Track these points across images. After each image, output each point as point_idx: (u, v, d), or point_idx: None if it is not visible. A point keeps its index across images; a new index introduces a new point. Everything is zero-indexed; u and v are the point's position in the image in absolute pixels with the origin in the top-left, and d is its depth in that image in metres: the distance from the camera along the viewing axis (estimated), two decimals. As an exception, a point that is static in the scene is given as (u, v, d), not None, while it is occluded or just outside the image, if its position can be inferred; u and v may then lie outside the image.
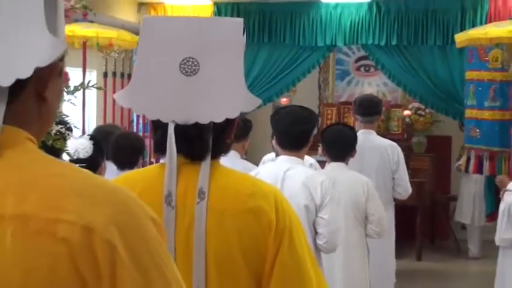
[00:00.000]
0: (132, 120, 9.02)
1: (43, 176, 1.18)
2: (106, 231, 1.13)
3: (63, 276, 1.11)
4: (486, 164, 7.56)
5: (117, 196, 1.20)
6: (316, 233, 3.82)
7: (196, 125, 2.03)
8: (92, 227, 1.13)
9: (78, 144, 3.72)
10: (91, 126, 7.69)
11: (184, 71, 2.05)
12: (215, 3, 9.62)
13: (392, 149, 5.87)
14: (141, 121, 9.04)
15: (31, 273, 1.11)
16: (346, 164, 4.86)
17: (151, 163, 6.23)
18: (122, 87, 8.24)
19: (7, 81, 1.16)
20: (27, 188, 1.15)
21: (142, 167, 4.61)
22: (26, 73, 1.17)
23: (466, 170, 8.09)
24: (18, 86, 1.19)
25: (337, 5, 9.45)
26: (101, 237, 1.13)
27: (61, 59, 1.28)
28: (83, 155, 3.71)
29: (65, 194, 1.16)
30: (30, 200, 1.14)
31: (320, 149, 5.13)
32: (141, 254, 1.16)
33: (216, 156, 2.11)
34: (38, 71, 1.18)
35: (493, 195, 7.90)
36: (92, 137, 4.00)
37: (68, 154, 3.39)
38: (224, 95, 2.06)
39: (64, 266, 1.11)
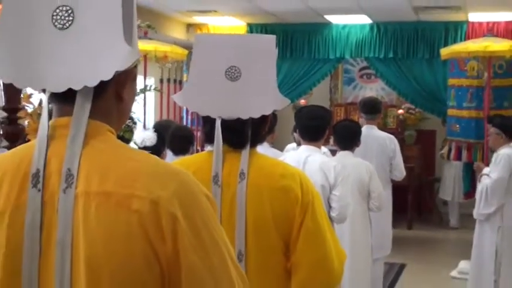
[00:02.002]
0: (182, 117, 9.07)
1: (120, 160, 1.18)
2: (169, 204, 1.14)
3: (136, 238, 1.12)
4: (464, 153, 7.53)
5: (179, 176, 1.20)
6: (330, 207, 3.81)
7: (238, 120, 2.04)
8: (158, 201, 1.13)
9: (145, 136, 3.74)
10: (150, 121, 7.72)
11: (229, 77, 2.05)
12: (248, 25, 9.64)
13: (391, 141, 5.84)
14: (189, 117, 9.08)
15: (111, 235, 1.12)
16: (353, 152, 4.85)
17: (197, 151, 6.26)
18: (174, 90, 8.30)
19: (93, 82, 1.16)
20: (108, 170, 1.15)
21: (192, 154, 4.63)
22: (107, 76, 1.16)
23: (448, 158, 8.07)
24: (101, 87, 1.18)
25: (345, 25, 9.47)
26: (165, 209, 1.13)
27: (135, 66, 1.27)
28: (149, 143, 3.73)
29: (137, 174, 1.16)
30: (110, 179, 1.14)
31: (331, 140, 5.11)
32: (196, 223, 1.16)
33: (253, 145, 2.12)
34: (118, 75, 1.17)
35: (469, 177, 7.88)
36: (156, 130, 4.03)
37: (135, 143, 3.41)
38: (260, 96, 2.07)
39: (136, 230, 1.12)
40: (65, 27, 1.17)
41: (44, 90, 1.22)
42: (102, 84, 1.17)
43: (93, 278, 1.10)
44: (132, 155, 1.21)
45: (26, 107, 2.69)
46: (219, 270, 1.17)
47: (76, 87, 1.16)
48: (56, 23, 1.17)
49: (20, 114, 2.67)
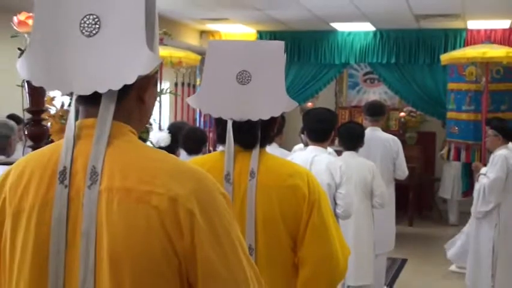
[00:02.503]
0: (196, 118, 9.07)
1: (141, 159, 1.19)
2: (187, 202, 1.14)
3: (155, 232, 1.13)
4: (463, 154, 7.50)
5: (196, 175, 1.20)
6: (336, 204, 3.80)
7: (249, 121, 2.04)
8: (177, 198, 1.14)
9: (160, 136, 3.75)
10: (165, 122, 7.74)
11: (239, 81, 2.05)
12: (258, 32, 9.65)
13: (394, 142, 5.81)
14: (202, 119, 9.09)
15: (132, 228, 1.13)
16: (357, 152, 4.85)
17: (209, 151, 6.26)
18: (188, 94, 8.31)
19: (117, 86, 1.17)
20: (129, 168, 1.16)
21: (204, 154, 4.63)
22: (131, 80, 1.17)
23: (447, 158, 8.03)
24: (125, 91, 1.19)
25: (350, 33, 9.47)
26: (183, 205, 1.14)
27: (156, 72, 1.27)
28: (164, 144, 3.74)
29: (157, 173, 1.16)
30: (131, 176, 1.15)
31: (337, 141, 5.10)
32: (213, 220, 1.17)
33: (263, 145, 2.12)
34: (140, 80, 1.18)
35: (468, 177, 7.86)
36: (170, 131, 4.03)
37: (151, 143, 3.42)
38: (270, 99, 2.06)
39: (155, 225, 1.13)
40: (91, 34, 1.18)
41: (71, 94, 1.23)
42: (126, 88, 1.18)
43: (115, 268, 1.11)
44: (152, 155, 1.22)
45: (49, 109, 2.70)
46: (234, 264, 1.17)
47: (101, 91, 1.17)
48: (84, 31, 1.18)
49: (44, 116, 2.68)
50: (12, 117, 4.90)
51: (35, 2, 1.22)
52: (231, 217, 1.21)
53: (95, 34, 1.18)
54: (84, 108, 1.23)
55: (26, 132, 2.76)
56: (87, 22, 1.18)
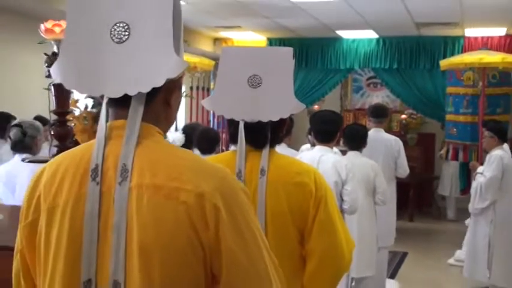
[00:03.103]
0: (209, 120, 9.09)
1: (169, 158, 1.19)
2: (213, 197, 1.15)
3: (182, 225, 1.13)
4: (461, 154, 7.47)
5: (220, 173, 1.21)
6: (342, 200, 3.80)
7: (259, 122, 2.03)
8: (203, 194, 1.14)
9: (175, 137, 3.76)
10: (181, 123, 7.75)
11: (251, 84, 2.04)
12: (268, 39, 9.67)
13: (396, 142, 5.79)
14: (215, 120, 9.10)
15: (161, 222, 1.13)
16: (361, 152, 4.83)
17: (222, 150, 6.26)
18: (203, 97, 8.33)
19: (146, 89, 1.17)
20: (158, 166, 1.16)
21: (217, 153, 4.63)
22: (159, 83, 1.17)
23: (446, 158, 8.01)
24: (153, 94, 1.19)
25: (354, 40, 9.47)
26: (209, 201, 1.14)
27: (181, 76, 1.27)
28: (178, 143, 3.74)
29: (184, 170, 1.17)
30: (160, 174, 1.15)
31: (342, 142, 5.09)
32: (236, 214, 1.17)
33: (273, 145, 2.11)
34: (167, 83, 1.18)
35: (465, 176, 7.82)
36: (184, 131, 4.03)
37: (167, 143, 3.43)
38: (279, 102, 2.05)
39: (183, 219, 1.13)
40: (122, 40, 1.18)
41: (97, 97, 1.24)
42: (153, 91, 1.18)
43: (144, 259, 1.12)
44: (179, 154, 1.22)
45: (74, 111, 2.72)
46: (255, 255, 1.18)
47: (131, 93, 1.17)
48: (114, 38, 1.19)
49: (68, 117, 2.70)
50: (39, 118, 4.92)
51: (67, 11, 1.22)
52: (252, 211, 1.22)
53: (125, 41, 1.18)
54: (114, 111, 1.23)
55: (52, 133, 2.77)
56: (118, 29, 1.19)
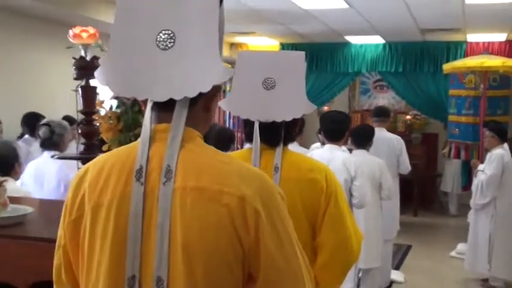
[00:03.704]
0: (225, 120, 9.09)
1: (211, 161, 1.17)
2: (254, 201, 1.13)
3: (224, 226, 1.12)
4: (462, 152, 7.41)
5: (259, 177, 1.19)
6: (351, 195, 3.78)
7: (273, 122, 2.02)
8: (245, 197, 1.13)
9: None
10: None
11: (265, 87, 2.03)
12: (281, 44, 9.66)
13: (398, 140, 5.81)
14: (231, 120, 9.10)
15: (204, 223, 1.11)
16: (367, 150, 4.82)
17: (237, 148, 6.26)
18: (219, 98, 8.32)
19: (192, 94, 1.15)
20: (201, 169, 1.15)
21: (232, 151, 4.62)
22: (206, 88, 1.15)
23: (448, 156, 7.94)
24: (195, 99, 1.17)
25: (362, 45, 9.45)
26: (250, 204, 1.13)
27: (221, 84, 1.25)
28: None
29: (227, 174, 1.15)
30: (204, 177, 1.13)
31: (349, 141, 5.08)
32: (274, 217, 1.15)
33: (286, 143, 2.10)
34: (209, 89, 1.17)
35: (467, 173, 7.77)
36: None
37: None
38: (292, 103, 2.04)
39: (225, 220, 1.12)
40: (167, 48, 1.17)
41: (145, 101, 1.22)
42: (196, 97, 1.16)
43: (187, 257, 1.10)
44: (220, 157, 1.19)
45: (100, 111, 2.72)
46: (291, 256, 1.16)
47: (177, 98, 1.15)
48: (159, 45, 1.17)
49: (95, 116, 2.70)
50: (67, 118, 4.95)
51: (114, 19, 1.21)
52: (287, 214, 1.20)
53: (170, 48, 1.17)
54: (157, 115, 1.20)
55: (80, 131, 2.78)
56: (163, 37, 1.17)
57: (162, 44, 1.17)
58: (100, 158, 1.26)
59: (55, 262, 1.28)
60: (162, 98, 1.16)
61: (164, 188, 1.12)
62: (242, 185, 1.13)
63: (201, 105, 1.22)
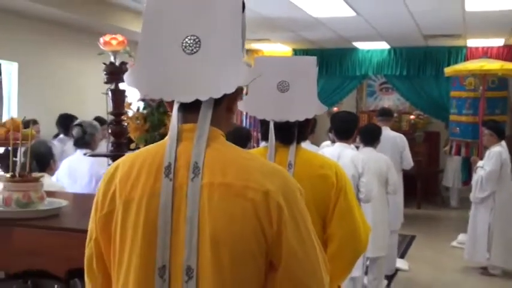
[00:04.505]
0: (242, 120, 9.08)
1: (236, 159, 1.16)
2: (277, 196, 1.12)
3: (249, 220, 1.11)
4: (463, 150, 7.38)
5: (281, 173, 1.18)
6: (358, 190, 3.75)
7: (287, 122, 2.01)
8: (268, 193, 1.11)
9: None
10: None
11: (280, 89, 2.02)
12: (293, 50, 9.64)
13: (400, 138, 5.82)
14: (248, 120, 9.09)
15: (231, 216, 1.10)
16: (375, 148, 4.79)
17: (253, 147, 6.26)
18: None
19: (218, 95, 1.14)
20: (227, 166, 1.14)
21: (249, 149, 4.62)
22: (230, 90, 1.14)
23: (450, 153, 7.92)
24: (219, 100, 1.16)
25: (368, 50, 9.41)
26: (274, 199, 1.12)
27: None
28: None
29: (251, 170, 1.14)
30: (229, 174, 1.12)
31: (358, 139, 5.04)
32: (295, 212, 1.14)
33: (299, 142, 2.09)
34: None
35: (467, 169, 7.74)
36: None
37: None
38: (304, 104, 2.03)
39: (250, 214, 1.11)
40: (193, 52, 1.16)
41: (170, 102, 1.21)
42: (220, 98, 1.15)
43: (216, 248, 1.09)
44: (244, 155, 1.18)
45: (128, 112, 2.73)
46: (309, 248, 1.15)
47: (203, 99, 1.14)
48: (185, 49, 1.16)
49: (123, 117, 2.71)
50: (97, 119, 4.99)
51: (142, 25, 1.20)
52: (306, 209, 1.19)
53: (195, 52, 1.15)
54: (183, 115, 1.19)
55: (110, 131, 2.79)
56: (189, 42, 1.16)
57: (188, 49, 1.16)
58: (129, 156, 1.25)
59: (86, 253, 1.28)
60: (189, 99, 1.15)
61: (192, 183, 1.11)
62: (265, 180, 1.12)
63: (224, 106, 1.21)
